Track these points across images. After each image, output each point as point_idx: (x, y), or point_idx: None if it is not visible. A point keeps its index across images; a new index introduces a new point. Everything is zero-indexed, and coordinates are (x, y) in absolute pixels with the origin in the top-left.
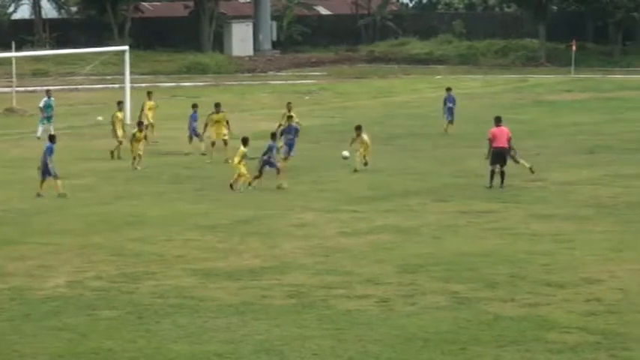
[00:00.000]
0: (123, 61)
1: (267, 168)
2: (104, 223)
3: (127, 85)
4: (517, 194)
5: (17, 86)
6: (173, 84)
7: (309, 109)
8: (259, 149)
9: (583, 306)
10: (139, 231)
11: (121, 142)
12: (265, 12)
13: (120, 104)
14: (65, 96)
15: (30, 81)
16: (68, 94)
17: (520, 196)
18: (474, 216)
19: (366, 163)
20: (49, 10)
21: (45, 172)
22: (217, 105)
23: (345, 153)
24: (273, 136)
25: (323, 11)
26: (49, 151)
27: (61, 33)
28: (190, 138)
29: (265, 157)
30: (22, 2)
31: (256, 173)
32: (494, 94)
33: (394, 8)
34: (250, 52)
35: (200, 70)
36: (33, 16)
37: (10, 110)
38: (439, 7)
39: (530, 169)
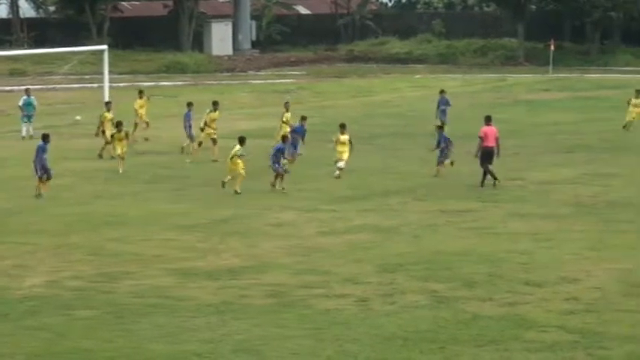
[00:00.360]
0: (101, 60)
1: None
2: (83, 223)
3: (106, 84)
4: (496, 193)
5: None
6: (152, 83)
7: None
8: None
9: (561, 305)
10: (118, 231)
11: (109, 142)
12: (245, 11)
13: (108, 104)
14: (43, 95)
15: (7, 81)
16: (46, 93)
17: (499, 195)
18: (453, 215)
19: (336, 162)
20: (26, 10)
21: (39, 170)
22: (215, 103)
23: (341, 164)
24: (284, 138)
25: (302, 11)
26: (42, 150)
27: (38, 32)
28: (190, 137)
29: (274, 159)
30: (0, 2)
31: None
32: (473, 93)
33: (374, 8)
34: (230, 51)
35: (179, 69)
36: (10, 16)
37: None
38: (418, 6)
39: (451, 163)
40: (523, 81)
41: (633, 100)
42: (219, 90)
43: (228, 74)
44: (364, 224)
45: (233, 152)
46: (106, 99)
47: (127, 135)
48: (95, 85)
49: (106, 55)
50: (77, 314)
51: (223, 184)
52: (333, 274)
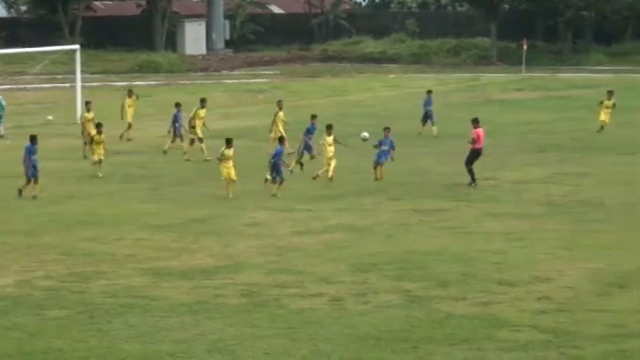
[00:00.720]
0: (74, 60)
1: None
2: (56, 223)
3: (78, 84)
4: (469, 193)
5: None
6: (125, 83)
7: (261, 108)
8: (215, 149)
9: (534, 304)
10: (91, 230)
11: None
12: (218, 11)
13: (87, 104)
14: (14, 95)
15: None
16: (17, 93)
17: (472, 194)
18: (426, 215)
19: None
20: None
21: (29, 172)
22: (203, 100)
23: (365, 134)
24: (281, 140)
25: (276, 10)
26: (30, 152)
27: (10, 32)
28: (174, 137)
29: (274, 161)
30: None
31: (270, 179)
32: (446, 92)
33: (347, 7)
34: (203, 51)
35: (152, 69)
36: None
37: None
38: (392, 6)
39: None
40: (496, 80)
41: (606, 102)
42: (192, 90)
43: (202, 74)
44: (338, 224)
45: (227, 154)
46: (78, 99)
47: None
48: (67, 84)
49: (78, 55)
50: (49, 314)
51: (228, 183)
52: (307, 274)
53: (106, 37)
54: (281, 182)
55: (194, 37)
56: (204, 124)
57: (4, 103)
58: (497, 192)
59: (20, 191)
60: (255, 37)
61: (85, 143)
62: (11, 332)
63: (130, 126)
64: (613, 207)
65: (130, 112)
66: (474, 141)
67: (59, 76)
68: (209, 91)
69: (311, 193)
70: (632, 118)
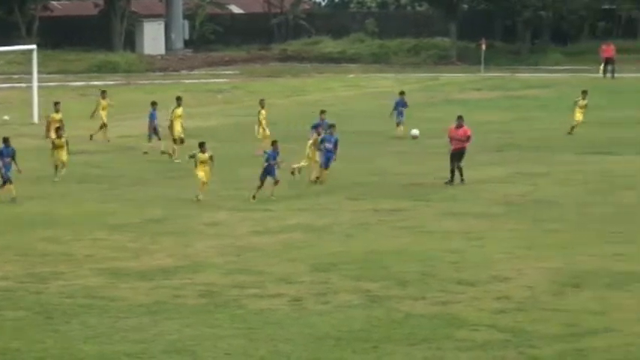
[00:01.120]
0: (30, 60)
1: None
2: (12, 224)
3: (35, 84)
4: (428, 192)
5: None
6: (83, 83)
7: (220, 108)
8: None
9: (492, 304)
10: (48, 231)
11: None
12: (177, 11)
13: (57, 105)
14: None
15: None
16: None
17: (431, 194)
18: (385, 214)
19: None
20: None
21: (4, 174)
22: (178, 99)
23: (415, 131)
24: (274, 143)
25: (236, 10)
26: (2, 154)
27: None
28: (150, 137)
29: (266, 165)
30: None
31: (258, 183)
32: (406, 92)
33: (307, 7)
34: (162, 51)
35: (110, 68)
36: None
37: None
38: (351, 5)
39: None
40: (455, 80)
41: (580, 102)
42: (151, 89)
43: (161, 74)
44: (298, 224)
45: (201, 158)
46: (35, 99)
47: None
48: (23, 84)
49: (34, 55)
50: (5, 315)
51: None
52: (267, 274)
53: (63, 37)
54: (276, 183)
55: (153, 37)
56: (181, 124)
57: None
58: (455, 191)
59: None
60: (214, 37)
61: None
62: None
63: (105, 126)
64: (569, 206)
65: (103, 114)
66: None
67: (15, 76)
68: (168, 91)
69: (270, 192)
70: (589, 118)
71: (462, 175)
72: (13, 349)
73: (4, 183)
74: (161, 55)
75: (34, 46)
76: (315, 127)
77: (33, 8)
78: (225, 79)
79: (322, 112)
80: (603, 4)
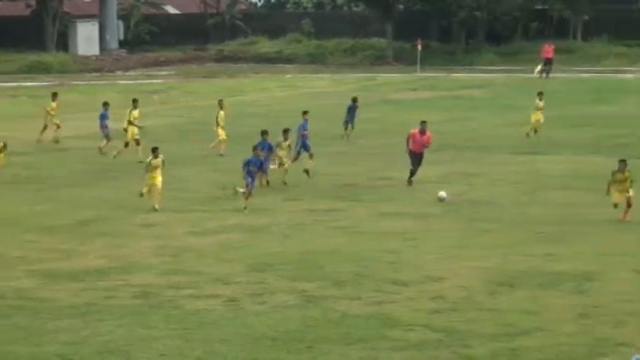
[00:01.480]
0: None
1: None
2: None
3: None
4: (363, 192)
5: None
6: (15, 84)
7: (156, 108)
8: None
9: (427, 304)
10: None
11: None
12: (111, 11)
13: None
14: None
15: None
16: None
17: (366, 194)
18: (321, 214)
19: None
20: None
21: None
22: (135, 100)
23: (443, 194)
24: (255, 149)
25: (171, 10)
26: None
27: None
28: (107, 137)
29: (251, 168)
30: None
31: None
32: (342, 93)
33: (243, 7)
34: (96, 51)
35: (43, 69)
36: None
37: None
38: (288, 6)
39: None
40: (391, 80)
41: (538, 103)
42: (85, 90)
43: (96, 74)
44: (235, 224)
45: (154, 163)
46: None
47: (5, 146)
48: None
49: None
50: None
51: (142, 194)
52: (203, 274)
53: None
54: (249, 193)
55: (86, 38)
56: (133, 124)
57: None
58: (391, 191)
59: None
60: (150, 38)
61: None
62: None
63: (57, 126)
64: (503, 206)
65: (53, 115)
66: (408, 140)
67: None
68: (104, 91)
69: (207, 193)
70: (523, 118)
71: (413, 175)
72: None
73: None
74: (95, 56)
75: None
76: (302, 128)
77: None
78: (160, 80)
79: (305, 112)
80: (536, 4)
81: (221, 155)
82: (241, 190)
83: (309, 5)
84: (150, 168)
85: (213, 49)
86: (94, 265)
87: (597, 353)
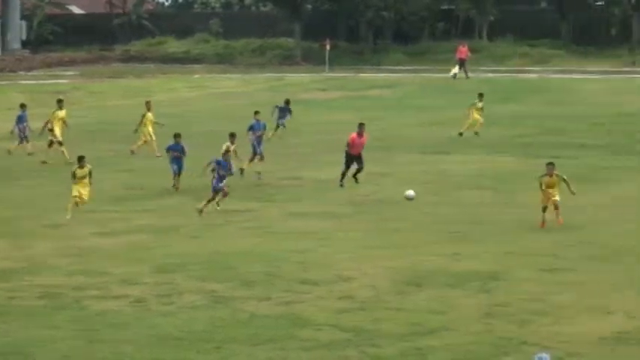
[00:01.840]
0: None
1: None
2: None
3: None
4: (274, 193)
5: None
6: None
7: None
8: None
9: (336, 303)
10: None
11: None
12: (14, 11)
13: None
14: None
15: None
16: None
17: (277, 194)
18: (232, 215)
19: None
20: None
21: None
22: (60, 101)
23: (410, 193)
24: (225, 153)
25: (76, 10)
26: None
27: None
28: (22, 139)
29: (220, 172)
30: None
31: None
32: (251, 93)
33: (150, 7)
34: None
35: None
36: None
37: None
38: (195, 6)
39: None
40: (300, 80)
41: (477, 104)
42: None
43: None
44: (143, 225)
45: (80, 174)
46: None
47: None
48: None
49: None
50: None
51: (77, 203)
52: (110, 275)
53: None
54: (215, 194)
55: None
56: (65, 124)
57: None
58: (301, 192)
59: None
60: (54, 38)
61: None
62: None
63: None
64: (411, 206)
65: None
66: (348, 145)
67: None
68: (5, 92)
69: (114, 193)
70: (432, 118)
71: (359, 171)
72: None
73: None
74: None
75: None
76: (252, 128)
77: None
78: (65, 80)
79: (257, 112)
80: (442, 4)
81: (157, 157)
82: (217, 199)
83: (217, 5)
84: (75, 180)
85: (119, 49)
86: None
87: (501, 352)
